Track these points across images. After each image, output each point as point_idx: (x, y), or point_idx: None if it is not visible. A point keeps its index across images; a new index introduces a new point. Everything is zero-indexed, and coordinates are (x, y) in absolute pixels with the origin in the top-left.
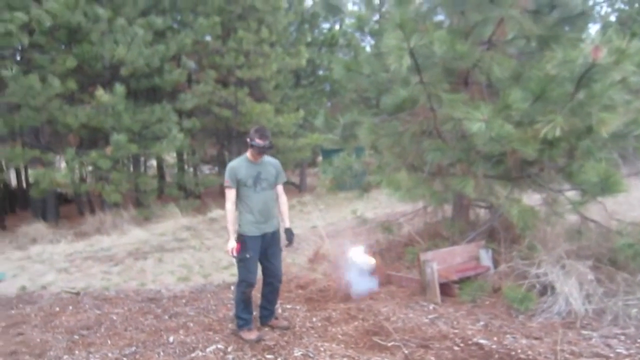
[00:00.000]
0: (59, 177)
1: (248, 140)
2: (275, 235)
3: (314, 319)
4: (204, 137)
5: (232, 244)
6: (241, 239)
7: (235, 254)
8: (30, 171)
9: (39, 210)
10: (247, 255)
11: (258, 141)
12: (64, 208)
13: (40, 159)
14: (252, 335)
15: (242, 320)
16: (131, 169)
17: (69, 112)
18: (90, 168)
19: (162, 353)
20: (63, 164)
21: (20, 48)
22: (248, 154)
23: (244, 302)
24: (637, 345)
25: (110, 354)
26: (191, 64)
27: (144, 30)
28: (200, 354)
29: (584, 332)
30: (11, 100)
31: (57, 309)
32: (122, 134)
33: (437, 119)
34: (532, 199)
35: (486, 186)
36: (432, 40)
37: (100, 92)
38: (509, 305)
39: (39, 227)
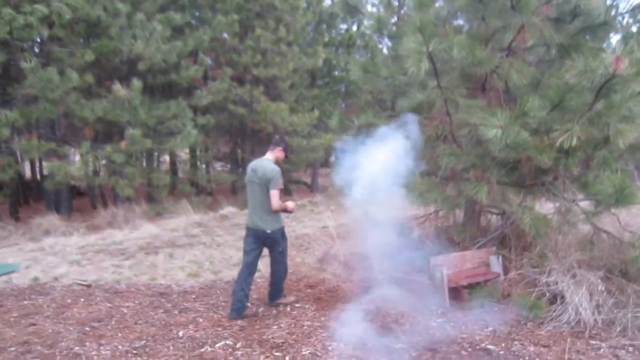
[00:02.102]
0: (73, 170)
1: (282, 145)
2: None
3: (323, 319)
4: (218, 134)
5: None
6: (283, 230)
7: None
8: (45, 163)
9: (53, 203)
10: (286, 242)
11: (289, 151)
12: (77, 201)
13: (56, 151)
14: (291, 297)
15: (283, 291)
16: (144, 164)
17: (85, 105)
18: (103, 162)
19: (171, 347)
20: (77, 157)
21: (39, 40)
22: (274, 156)
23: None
24: None
25: (120, 347)
26: (208, 60)
27: (163, 26)
28: (209, 349)
29: (592, 342)
30: (29, 92)
31: (69, 300)
32: (137, 128)
33: (453, 124)
34: (544, 207)
35: (499, 193)
36: (452, 45)
37: (117, 87)
38: (518, 313)
39: (52, 220)
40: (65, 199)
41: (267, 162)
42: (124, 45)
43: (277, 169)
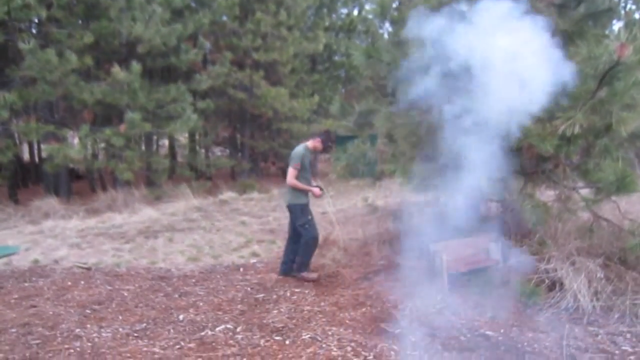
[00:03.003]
0: (72, 153)
1: (321, 136)
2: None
3: (323, 304)
4: (217, 118)
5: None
6: (302, 207)
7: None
8: (43, 146)
9: (52, 186)
10: (309, 217)
11: (329, 144)
12: (76, 184)
13: (55, 134)
14: (313, 275)
15: (308, 266)
16: (143, 147)
17: (84, 88)
18: (103, 145)
19: (172, 330)
20: (76, 140)
21: (37, 21)
22: (312, 145)
23: (313, 252)
24: None
25: (121, 329)
26: (207, 44)
27: (162, 8)
28: (210, 332)
29: (590, 328)
30: (27, 73)
31: (69, 283)
32: (136, 112)
33: None
34: (545, 194)
35: (500, 180)
36: None
37: (116, 69)
38: (516, 299)
39: (51, 202)
40: (64, 182)
41: (300, 146)
42: (123, 27)
43: (299, 151)
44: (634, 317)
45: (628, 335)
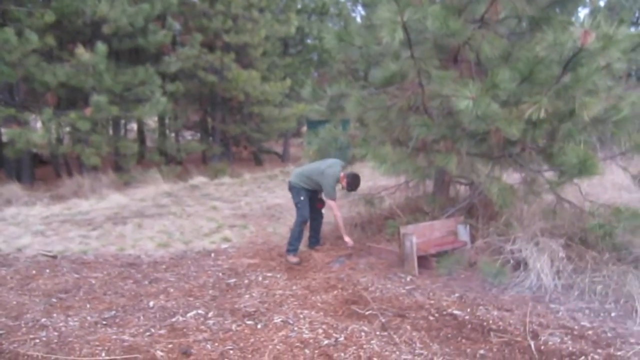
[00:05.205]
0: (35, 137)
1: (349, 179)
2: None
3: (294, 287)
4: (187, 102)
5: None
6: (299, 189)
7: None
8: (4, 130)
9: (14, 171)
10: (302, 198)
11: (352, 188)
12: (40, 170)
13: (16, 117)
14: (295, 259)
15: (293, 246)
16: (111, 132)
17: (46, 69)
18: (68, 129)
19: (142, 317)
20: (39, 124)
21: None
22: (342, 177)
23: (300, 232)
24: (600, 318)
25: (89, 318)
26: (176, 25)
27: None
28: (181, 319)
29: (552, 305)
30: None
31: (34, 272)
32: (102, 95)
33: (425, 95)
34: (511, 177)
35: (468, 163)
36: (426, 15)
37: (80, 50)
38: (483, 279)
39: (13, 189)
40: (27, 167)
41: (334, 173)
42: (86, 6)
43: (333, 183)
44: (592, 294)
45: (587, 312)
